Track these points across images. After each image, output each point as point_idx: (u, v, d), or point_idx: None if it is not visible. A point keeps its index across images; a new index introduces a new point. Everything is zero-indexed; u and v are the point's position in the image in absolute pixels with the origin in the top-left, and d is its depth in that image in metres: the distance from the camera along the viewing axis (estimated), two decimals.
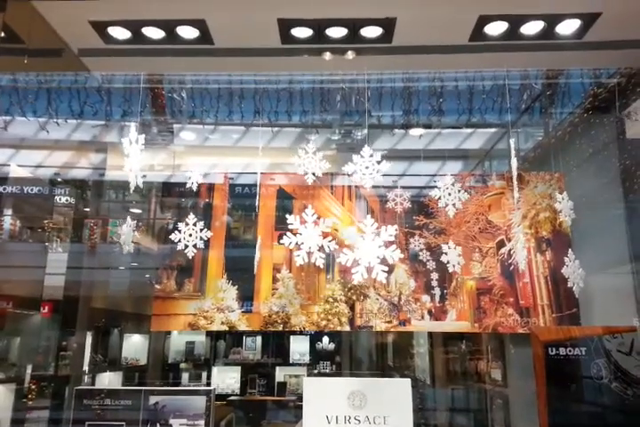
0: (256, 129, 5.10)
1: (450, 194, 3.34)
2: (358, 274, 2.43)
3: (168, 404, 3.25)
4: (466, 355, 5.82)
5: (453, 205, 3.31)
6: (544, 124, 5.19)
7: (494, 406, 4.81)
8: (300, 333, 8.83)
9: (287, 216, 2.63)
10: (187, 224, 3.36)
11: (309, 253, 2.57)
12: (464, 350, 5.80)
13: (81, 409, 3.26)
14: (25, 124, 5.01)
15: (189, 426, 3.19)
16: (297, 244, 2.57)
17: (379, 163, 2.75)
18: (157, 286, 4.28)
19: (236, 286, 4.32)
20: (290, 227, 2.60)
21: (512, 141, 5.27)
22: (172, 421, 3.22)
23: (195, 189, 4.77)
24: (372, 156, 2.77)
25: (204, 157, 5.85)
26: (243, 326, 4.22)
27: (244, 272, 4.07)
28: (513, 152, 3.18)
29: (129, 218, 3.46)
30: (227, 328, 4.20)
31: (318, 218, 2.61)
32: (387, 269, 2.44)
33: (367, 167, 2.73)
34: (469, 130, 5.51)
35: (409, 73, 4.48)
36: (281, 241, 2.62)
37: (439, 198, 3.36)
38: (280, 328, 4.16)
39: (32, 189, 6.65)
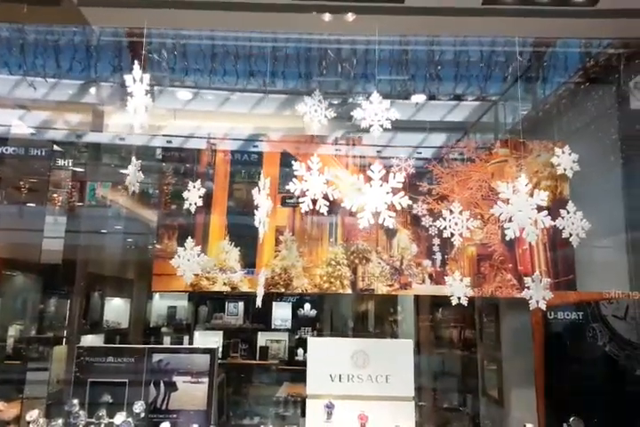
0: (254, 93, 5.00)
1: (457, 224, 3.17)
2: (364, 219, 2.42)
3: (172, 362, 3.25)
4: (451, 321, 5.95)
5: (460, 234, 3.17)
6: (533, 97, 5.19)
7: (487, 370, 4.97)
8: (281, 299, 8.91)
9: (293, 162, 2.68)
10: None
11: (314, 201, 2.59)
12: (454, 316, 5.92)
13: (83, 368, 3.24)
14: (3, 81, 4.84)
15: (193, 383, 3.21)
16: (302, 190, 2.61)
17: (387, 110, 2.70)
18: (158, 246, 4.22)
19: (239, 248, 4.30)
20: (295, 173, 2.64)
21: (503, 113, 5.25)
22: (175, 378, 3.23)
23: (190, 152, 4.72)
24: (380, 102, 2.71)
25: (200, 120, 5.69)
26: (245, 288, 4.21)
27: (247, 234, 4.05)
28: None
29: (133, 158, 3.36)
30: (229, 289, 4.19)
31: (323, 166, 2.63)
32: (394, 215, 2.43)
33: (376, 114, 2.68)
34: (471, 101, 5.49)
35: (408, 36, 4.38)
36: (287, 187, 2.64)
37: (445, 228, 3.20)
38: (282, 290, 4.18)
39: (7, 150, 6.42)
